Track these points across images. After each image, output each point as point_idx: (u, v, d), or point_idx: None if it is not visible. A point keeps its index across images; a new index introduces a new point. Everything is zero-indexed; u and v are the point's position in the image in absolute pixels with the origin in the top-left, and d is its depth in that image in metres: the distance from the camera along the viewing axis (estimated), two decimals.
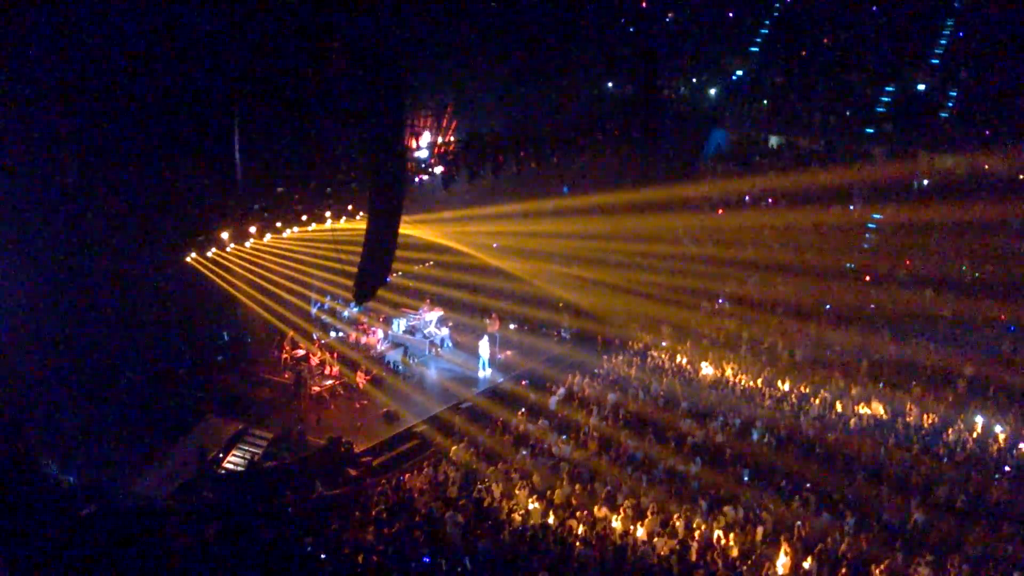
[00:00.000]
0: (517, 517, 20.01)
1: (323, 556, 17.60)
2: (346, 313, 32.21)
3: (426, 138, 32.00)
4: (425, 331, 31.31)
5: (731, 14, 47.96)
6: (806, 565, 18.33)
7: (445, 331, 31.87)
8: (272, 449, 23.91)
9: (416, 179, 30.13)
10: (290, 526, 19.15)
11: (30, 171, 21.89)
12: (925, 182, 39.42)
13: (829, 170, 38.53)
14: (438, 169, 30.27)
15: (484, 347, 30.01)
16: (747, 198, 40.88)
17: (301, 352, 28.52)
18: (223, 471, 23.14)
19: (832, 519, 20.17)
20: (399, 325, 31.37)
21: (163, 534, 17.95)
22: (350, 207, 28.22)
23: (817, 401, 26.94)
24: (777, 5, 47.85)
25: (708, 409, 26.34)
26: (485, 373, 29.85)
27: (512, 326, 33.19)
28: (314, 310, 31.59)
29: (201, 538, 18.01)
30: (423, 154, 31.54)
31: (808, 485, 21.77)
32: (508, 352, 31.38)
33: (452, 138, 32.42)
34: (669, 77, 44.61)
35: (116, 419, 23.65)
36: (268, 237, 27.01)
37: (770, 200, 40.27)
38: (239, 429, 24.79)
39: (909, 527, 20.12)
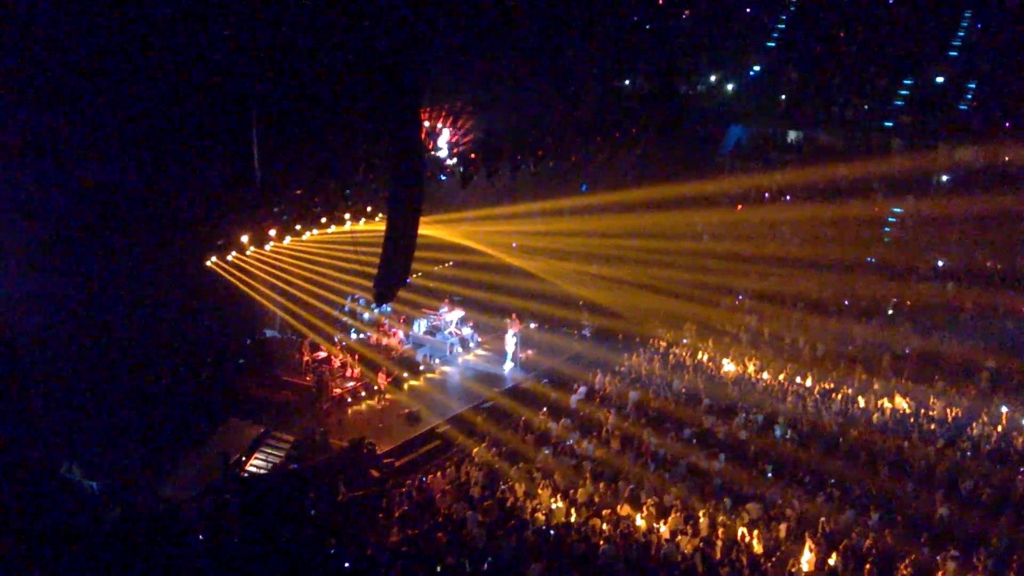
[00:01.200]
0: (540, 516, 20.02)
1: (346, 558, 17.66)
2: (367, 315, 32.26)
3: (444, 137, 32.02)
4: (447, 331, 31.35)
5: (747, 10, 47.73)
6: (831, 561, 18.28)
7: (468, 330, 31.93)
8: (294, 451, 23.97)
9: (434, 179, 30.16)
10: (313, 528, 19.23)
11: (51, 176, 22.02)
12: (944, 175, 39.11)
13: (848, 164, 38.27)
14: (456, 169, 30.29)
15: (510, 342, 30.21)
16: (766, 194, 40.70)
17: (322, 354, 28.61)
18: (246, 474, 23.20)
19: (856, 515, 20.08)
20: (420, 326, 31.43)
21: (187, 538, 18.06)
22: (369, 208, 28.32)
23: (839, 396, 26.77)
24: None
25: (730, 405, 26.26)
26: (509, 367, 30.11)
27: (532, 325, 33.16)
28: (335, 312, 31.64)
29: (225, 541, 18.11)
30: (442, 153, 31.57)
31: (832, 481, 21.67)
32: (529, 351, 31.39)
33: (470, 136, 32.42)
34: (686, 74, 44.48)
35: (139, 424, 23.77)
36: (288, 240, 27.12)
37: (789, 195, 40.08)
38: (261, 432, 24.83)
39: (934, 522, 19.96)
